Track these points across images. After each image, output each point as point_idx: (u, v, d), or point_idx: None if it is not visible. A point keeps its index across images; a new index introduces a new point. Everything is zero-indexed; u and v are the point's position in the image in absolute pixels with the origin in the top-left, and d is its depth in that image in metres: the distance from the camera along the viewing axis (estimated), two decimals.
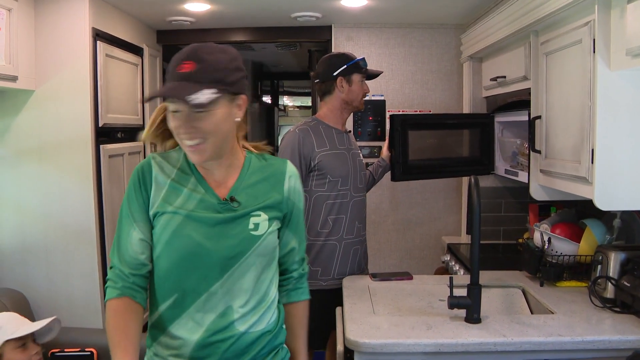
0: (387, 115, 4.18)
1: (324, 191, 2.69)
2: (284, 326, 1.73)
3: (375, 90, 4.17)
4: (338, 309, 2.45)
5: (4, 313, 2.04)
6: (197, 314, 1.55)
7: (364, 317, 2.13)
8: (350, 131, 2.93)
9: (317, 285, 2.66)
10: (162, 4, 3.44)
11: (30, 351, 2.03)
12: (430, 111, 4.19)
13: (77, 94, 3.11)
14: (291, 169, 1.71)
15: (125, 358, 1.48)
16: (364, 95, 2.78)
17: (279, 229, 1.67)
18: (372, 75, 2.81)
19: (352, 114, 3.68)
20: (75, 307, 3.20)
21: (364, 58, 2.79)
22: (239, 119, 1.56)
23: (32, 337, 2.44)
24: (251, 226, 1.57)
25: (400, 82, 4.21)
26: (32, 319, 3.08)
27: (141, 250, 1.56)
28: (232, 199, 1.57)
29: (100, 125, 3.19)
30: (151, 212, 1.56)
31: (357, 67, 2.75)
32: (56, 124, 3.11)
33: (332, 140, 2.72)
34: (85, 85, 3.11)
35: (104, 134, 3.20)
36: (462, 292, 2.11)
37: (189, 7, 3.47)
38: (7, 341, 2.21)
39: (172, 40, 4.29)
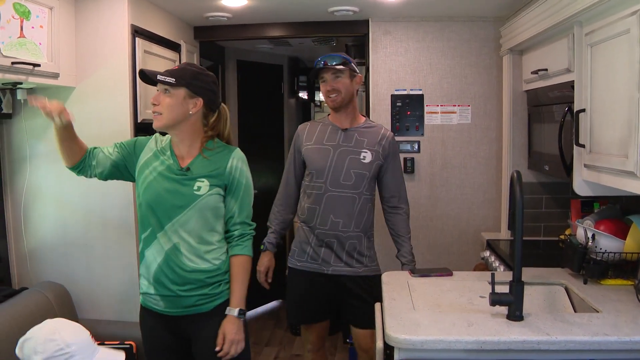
0: (425, 110, 4.14)
1: (305, 181, 3.02)
2: (227, 270, 2.35)
3: (413, 84, 4.14)
4: (377, 305, 2.44)
5: (77, 337, 2.07)
6: (159, 245, 2.27)
7: (403, 313, 2.11)
8: (357, 129, 2.97)
9: (291, 263, 3.06)
10: (200, 0, 3.45)
11: None
12: (468, 106, 4.13)
13: (117, 90, 3.14)
14: (237, 154, 2.38)
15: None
16: (326, 94, 2.94)
17: (225, 197, 2.34)
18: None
19: (390, 109, 4.16)
20: (114, 300, 3.24)
21: (318, 60, 2.94)
22: (191, 113, 2.29)
23: None
24: (195, 187, 2.28)
25: (439, 76, 4.15)
26: (74, 311, 3.15)
27: (103, 155, 2.44)
28: (187, 169, 2.31)
29: (139, 120, 3.22)
30: (138, 166, 2.40)
31: (314, 74, 2.96)
32: (96, 120, 3.15)
33: (321, 136, 2.97)
34: (124, 81, 3.13)
35: (143, 130, 3.22)
36: (503, 289, 2.07)
37: (226, 2, 3.47)
38: None
39: (209, 36, 4.30)
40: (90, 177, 2.47)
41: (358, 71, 2.95)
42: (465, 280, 2.59)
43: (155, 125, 2.33)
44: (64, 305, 3.06)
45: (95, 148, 2.46)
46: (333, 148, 2.93)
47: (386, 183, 2.97)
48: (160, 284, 2.30)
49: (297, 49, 5.64)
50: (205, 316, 2.31)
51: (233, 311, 2.30)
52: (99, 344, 2.84)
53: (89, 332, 2.13)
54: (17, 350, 2.07)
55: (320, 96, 7.19)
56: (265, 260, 3.10)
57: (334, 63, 2.87)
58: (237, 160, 2.36)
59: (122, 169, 2.45)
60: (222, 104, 2.45)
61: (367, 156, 2.89)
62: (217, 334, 2.28)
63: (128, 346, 3.00)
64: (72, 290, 3.19)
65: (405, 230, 3.00)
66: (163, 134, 2.44)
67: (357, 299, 2.93)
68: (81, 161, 2.42)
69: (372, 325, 2.85)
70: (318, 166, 2.93)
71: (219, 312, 2.31)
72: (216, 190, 2.30)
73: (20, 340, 2.07)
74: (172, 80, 2.25)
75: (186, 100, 2.28)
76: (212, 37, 4.33)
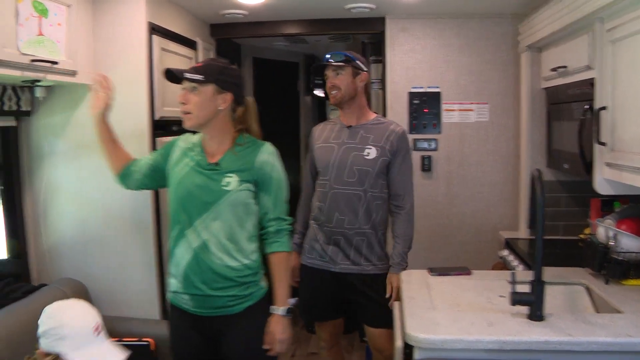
0: (443, 107, 4.11)
1: (318, 180, 3.00)
2: (259, 271, 2.34)
3: (430, 82, 4.12)
4: (396, 304, 2.43)
5: (81, 319, 2.02)
6: (188, 242, 2.26)
7: (423, 312, 2.10)
8: (363, 126, 2.95)
9: (303, 261, 3.06)
10: None
11: None
12: (486, 103, 4.10)
13: (134, 88, 3.14)
14: (267, 148, 2.33)
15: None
16: (328, 91, 2.97)
17: (257, 193, 2.30)
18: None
19: (407, 107, 4.14)
20: (132, 297, 3.25)
21: (325, 57, 2.96)
22: (221, 108, 2.25)
23: None
24: (224, 183, 2.24)
25: (456, 74, 4.13)
26: None
27: (144, 162, 2.51)
28: (216, 164, 2.28)
29: (156, 118, 3.22)
30: (169, 165, 2.41)
31: (316, 70, 3.04)
32: (113, 118, 3.11)
33: (328, 134, 3.01)
34: (141, 79, 3.14)
35: (160, 127, 3.23)
36: (523, 288, 2.05)
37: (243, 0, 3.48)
38: None
39: (225, 34, 4.30)
40: (135, 187, 2.57)
41: (364, 68, 2.93)
42: (484, 280, 2.57)
43: (186, 125, 2.30)
44: None
45: (139, 160, 2.54)
46: (337, 145, 2.93)
47: (391, 180, 2.91)
48: (189, 283, 2.27)
49: (313, 46, 5.63)
50: (235, 317, 2.27)
51: (279, 310, 2.28)
52: (116, 341, 2.85)
53: (97, 323, 2.04)
54: None
55: None
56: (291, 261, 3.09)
57: (335, 60, 2.88)
58: (267, 155, 2.32)
59: (159, 172, 2.47)
60: (249, 97, 2.43)
61: (371, 152, 2.86)
62: (251, 335, 2.28)
63: (146, 343, 3.01)
64: (91, 287, 3.20)
65: (402, 231, 2.90)
66: (193, 132, 2.43)
67: (365, 298, 2.91)
68: (125, 168, 2.51)
69: (384, 325, 2.84)
70: (323, 164, 2.95)
71: (249, 314, 2.28)
72: (246, 186, 2.26)
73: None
74: (200, 77, 2.22)
75: (215, 96, 2.24)
76: (228, 35, 4.33)
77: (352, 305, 2.99)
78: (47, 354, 1.92)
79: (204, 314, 2.29)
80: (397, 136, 2.89)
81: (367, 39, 4.78)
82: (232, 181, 2.24)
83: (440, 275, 2.63)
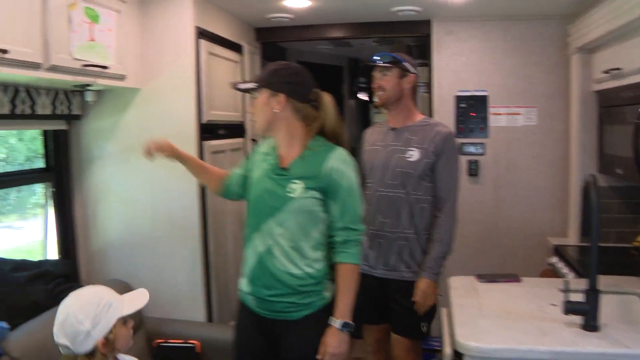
0: (490, 111, 4.05)
1: (365, 182, 2.91)
2: (322, 280, 2.23)
3: (477, 85, 4.06)
4: (444, 310, 2.39)
5: (101, 288, 2.04)
6: (254, 246, 2.24)
7: (473, 320, 2.06)
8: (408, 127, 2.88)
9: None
10: (263, 2, 3.47)
11: (129, 325, 2.06)
12: (534, 107, 4.02)
13: (182, 92, 3.17)
14: (336, 154, 2.22)
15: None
16: (376, 89, 2.91)
17: (325, 200, 2.20)
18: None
19: (454, 111, 4.10)
20: (178, 299, 3.28)
21: (372, 58, 2.91)
22: (276, 111, 2.20)
23: None
24: (289, 189, 2.19)
25: (503, 77, 4.06)
26: (139, 310, 3.19)
27: (236, 174, 2.50)
28: (286, 169, 2.23)
29: (203, 122, 3.25)
30: (250, 170, 2.40)
31: (364, 71, 3.01)
32: (161, 121, 3.20)
33: (375, 137, 2.98)
34: (189, 82, 3.17)
35: (207, 131, 3.26)
36: (576, 297, 1.99)
37: (289, 3, 3.48)
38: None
39: (270, 38, 4.32)
40: (236, 199, 2.58)
41: (412, 70, 2.87)
42: (534, 287, 2.51)
43: (255, 130, 2.38)
44: None
45: (234, 173, 2.53)
46: (383, 147, 2.90)
47: (435, 183, 2.81)
48: (254, 284, 2.26)
49: (357, 49, 5.61)
50: (293, 324, 2.22)
51: (335, 322, 2.17)
52: (163, 342, 2.89)
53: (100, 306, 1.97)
54: None
55: None
56: None
57: (381, 61, 2.86)
58: (336, 161, 2.20)
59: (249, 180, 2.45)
60: (323, 93, 2.29)
61: (414, 154, 2.80)
62: (305, 343, 2.21)
63: (192, 345, 3.03)
64: (138, 288, 3.23)
65: (439, 235, 2.76)
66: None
67: (397, 304, 2.85)
68: (222, 186, 2.53)
69: (407, 334, 2.80)
70: (368, 166, 2.93)
71: (308, 323, 2.21)
72: (311, 194, 2.19)
73: None
74: (252, 85, 2.26)
75: (269, 100, 2.21)
76: (273, 38, 4.35)
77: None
78: (106, 340, 1.90)
79: (267, 316, 2.27)
80: (441, 137, 2.80)
81: (413, 41, 4.75)
82: (297, 188, 2.19)
83: (489, 282, 2.58)
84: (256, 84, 2.25)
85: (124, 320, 1.97)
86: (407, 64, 2.86)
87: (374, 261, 2.88)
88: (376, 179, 2.87)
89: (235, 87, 2.36)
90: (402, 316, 2.82)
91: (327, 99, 2.28)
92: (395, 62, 2.84)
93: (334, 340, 2.15)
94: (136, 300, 2.09)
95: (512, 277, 2.61)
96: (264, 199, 2.24)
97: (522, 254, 4.05)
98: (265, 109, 2.22)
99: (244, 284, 2.33)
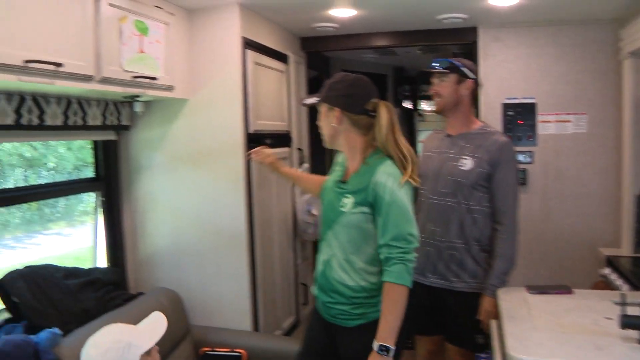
0: (538, 118, 3.97)
1: (420, 189, 2.83)
2: (378, 294, 2.16)
3: (525, 92, 3.99)
4: (493, 322, 2.34)
5: (117, 330, 2.09)
6: (321, 253, 2.33)
7: (524, 333, 2.00)
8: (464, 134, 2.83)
9: None
10: (308, 11, 3.48)
11: (153, 353, 2.08)
12: (584, 114, 3.93)
13: (229, 102, 3.20)
14: (383, 167, 2.16)
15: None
16: (433, 96, 2.87)
17: (374, 215, 2.16)
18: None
19: (501, 119, 4.03)
20: (225, 308, 3.30)
21: (431, 64, 2.87)
22: (334, 125, 2.24)
23: None
24: (341, 203, 2.22)
25: (551, 83, 3.98)
26: (186, 318, 3.23)
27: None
28: (345, 183, 2.27)
29: (250, 131, 3.27)
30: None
31: (421, 77, 2.92)
32: (209, 131, 3.23)
33: (432, 144, 2.95)
34: (236, 93, 3.19)
35: (254, 140, 3.27)
36: (633, 310, 1.92)
37: (334, 13, 3.48)
38: None
39: (315, 47, 4.33)
40: None
41: (471, 76, 2.80)
42: (587, 299, 2.44)
43: (325, 143, 2.38)
44: (177, 311, 3.15)
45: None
46: (437, 155, 2.86)
47: (493, 194, 2.74)
48: (319, 289, 2.34)
49: (402, 58, 5.59)
50: (348, 331, 2.25)
51: (374, 345, 2.07)
52: (209, 351, 2.91)
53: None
54: None
55: (422, 105, 7.12)
56: None
57: (439, 66, 2.81)
58: (381, 174, 2.14)
59: None
60: (381, 102, 2.23)
61: (467, 163, 2.73)
62: (355, 351, 2.16)
63: (238, 354, 3.04)
64: (185, 297, 3.27)
65: (500, 250, 2.69)
66: None
67: (450, 315, 2.81)
68: (319, 192, 2.53)
69: (464, 344, 2.76)
70: (422, 173, 2.83)
71: (361, 333, 2.17)
72: (360, 209, 2.17)
73: None
74: (314, 100, 2.32)
75: (328, 114, 2.26)
76: (318, 48, 4.36)
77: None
78: None
79: (328, 320, 2.33)
80: (498, 147, 2.71)
81: (458, 49, 4.70)
82: (348, 203, 2.19)
83: (539, 293, 2.51)
84: (317, 99, 2.30)
85: (147, 352, 2.01)
86: (465, 69, 2.79)
87: (422, 269, 2.84)
88: (428, 187, 2.82)
89: (302, 103, 2.49)
90: (456, 327, 2.79)
91: (383, 108, 2.21)
92: (453, 68, 2.78)
93: None
94: (154, 329, 2.13)
95: (564, 289, 2.54)
96: (327, 211, 2.33)
97: (572, 265, 3.95)
98: (326, 124, 2.28)
99: (314, 288, 2.41)
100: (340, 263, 2.23)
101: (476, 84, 2.84)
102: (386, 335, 2.06)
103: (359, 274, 2.20)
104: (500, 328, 2.17)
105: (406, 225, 2.12)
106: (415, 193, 2.48)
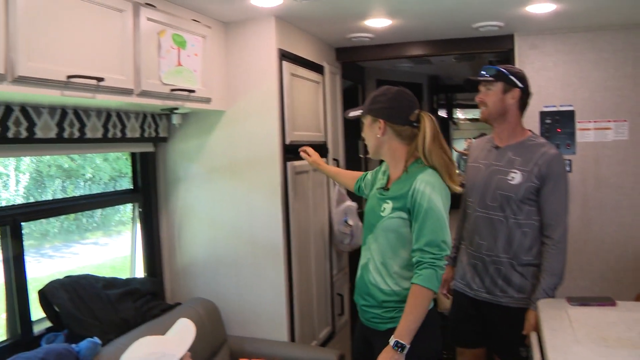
0: (577, 126, 3.90)
1: (467, 199, 2.91)
2: (403, 300, 2.25)
3: (562, 100, 3.93)
4: (533, 334, 2.29)
5: (148, 339, 2.12)
6: (362, 256, 2.47)
7: (567, 346, 1.97)
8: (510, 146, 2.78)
9: (454, 285, 3.00)
10: (344, 22, 3.48)
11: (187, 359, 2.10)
12: (625, 121, 3.84)
13: (265, 113, 3.21)
14: (423, 176, 2.27)
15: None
16: (479, 104, 2.83)
17: (410, 221, 2.28)
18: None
19: (539, 127, 3.96)
20: (261, 318, 3.30)
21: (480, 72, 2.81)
22: (379, 136, 2.37)
23: None
24: (382, 207, 2.36)
25: (590, 90, 3.90)
26: (223, 328, 3.25)
27: (368, 178, 2.79)
28: (387, 189, 2.41)
29: (287, 142, 3.27)
30: (373, 182, 2.61)
31: (469, 85, 2.89)
32: (245, 143, 3.25)
33: (479, 153, 2.90)
34: (273, 104, 3.20)
35: (291, 151, 3.28)
36: None
37: (370, 23, 3.48)
38: None
39: (350, 57, 4.33)
40: (366, 197, 2.75)
41: (518, 84, 2.71)
42: (632, 312, 2.38)
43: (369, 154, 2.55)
44: (214, 322, 3.17)
45: (366, 174, 2.87)
46: (485, 167, 2.80)
47: (541, 208, 2.68)
48: (356, 293, 2.48)
49: (437, 66, 5.56)
50: (379, 334, 2.34)
51: (391, 340, 2.20)
52: None
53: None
54: None
55: (457, 114, 7.08)
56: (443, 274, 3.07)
57: (485, 74, 2.75)
58: (421, 182, 2.25)
59: None
60: (423, 113, 2.37)
61: (515, 177, 2.67)
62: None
63: None
64: (221, 307, 3.30)
65: (548, 265, 2.63)
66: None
67: (495, 330, 2.77)
68: (356, 185, 2.91)
69: (505, 357, 2.72)
70: (469, 184, 2.85)
71: (389, 335, 2.23)
72: (398, 214, 2.30)
73: None
74: (358, 113, 2.46)
75: (372, 126, 2.40)
76: (353, 58, 4.35)
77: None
78: None
79: (365, 323, 2.47)
80: (547, 160, 2.64)
81: (494, 57, 4.66)
82: (387, 207, 2.34)
83: (581, 305, 2.46)
84: (360, 112, 2.43)
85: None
86: (512, 78, 2.71)
87: (469, 281, 2.84)
88: (475, 199, 2.79)
89: (345, 116, 2.56)
90: (501, 340, 2.76)
91: (426, 119, 2.34)
92: (499, 76, 2.71)
93: (384, 356, 2.20)
94: (184, 337, 2.16)
95: (607, 301, 2.48)
96: (368, 216, 2.46)
97: (614, 276, 3.86)
98: (371, 135, 2.42)
99: (355, 294, 2.53)
100: (376, 266, 2.37)
101: (525, 92, 2.75)
102: (404, 333, 2.18)
103: (393, 278, 2.33)
104: (540, 340, 2.13)
105: (441, 232, 2.22)
106: (457, 199, 2.54)
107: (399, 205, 2.30)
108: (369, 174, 2.80)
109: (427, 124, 2.32)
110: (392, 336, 2.19)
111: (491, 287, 2.75)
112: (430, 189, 2.23)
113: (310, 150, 3.14)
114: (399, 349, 2.17)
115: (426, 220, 2.21)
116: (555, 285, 2.64)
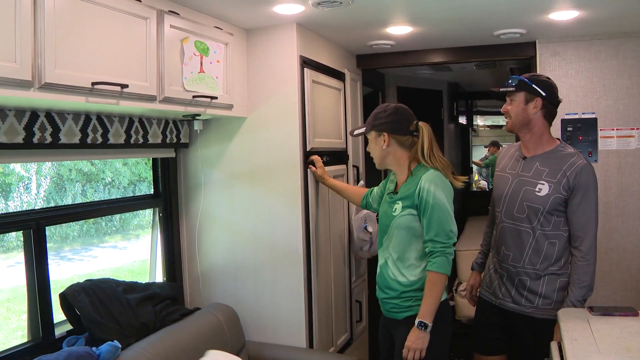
0: (599, 134, 3.86)
1: (494, 208, 2.92)
2: (419, 289, 2.57)
3: (585, 107, 3.89)
4: (553, 344, 2.27)
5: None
6: (379, 258, 2.75)
7: (588, 357, 1.94)
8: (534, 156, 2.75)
9: (480, 292, 3.03)
10: (365, 30, 3.49)
11: None
12: None
13: (287, 120, 3.22)
14: (427, 175, 2.55)
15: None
16: (504, 115, 2.83)
17: (419, 216, 2.57)
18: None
19: (560, 135, 3.88)
20: (280, 324, 3.31)
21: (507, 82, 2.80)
22: (384, 147, 2.66)
23: None
24: (393, 209, 2.64)
25: (614, 98, 3.86)
26: (242, 333, 3.26)
27: (375, 193, 3.04)
28: (395, 192, 2.69)
29: (308, 149, 3.28)
30: (384, 191, 2.87)
31: (496, 96, 2.87)
32: (266, 149, 3.26)
33: (506, 162, 2.88)
34: (294, 111, 3.21)
35: None
36: None
37: (391, 30, 3.48)
38: None
39: (371, 64, 4.33)
40: (374, 211, 3.09)
41: (540, 93, 2.65)
42: None
43: (377, 166, 2.82)
44: (233, 327, 3.18)
45: (371, 189, 3.10)
46: (512, 177, 2.77)
47: (569, 219, 2.65)
48: (378, 289, 2.76)
49: (457, 74, 5.55)
50: (397, 323, 2.67)
51: (416, 321, 2.52)
52: None
53: None
54: None
55: (477, 121, 7.05)
56: (470, 280, 3.16)
57: (507, 86, 2.71)
58: (425, 182, 2.54)
59: None
60: (421, 123, 2.67)
61: (543, 188, 2.64)
62: (401, 341, 2.59)
63: None
64: (240, 313, 3.30)
65: (577, 276, 2.60)
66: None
67: (518, 337, 2.75)
68: (363, 200, 3.13)
69: None
70: (496, 194, 2.85)
71: (408, 323, 2.57)
72: (408, 211, 2.59)
73: None
74: (362, 129, 2.76)
75: (377, 139, 2.69)
76: (374, 65, 4.35)
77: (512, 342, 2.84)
78: None
79: (386, 315, 2.75)
80: (575, 171, 2.60)
81: (514, 64, 4.63)
82: (398, 207, 2.63)
83: (603, 315, 2.43)
84: (364, 129, 2.73)
85: None
86: (535, 86, 2.66)
87: (495, 290, 2.84)
88: (502, 210, 2.78)
89: (351, 134, 2.85)
90: (524, 350, 2.73)
91: (424, 128, 2.65)
92: (520, 86, 2.67)
93: (412, 335, 2.53)
94: None
95: (629, 311, 2.45)
96: (382, 220, 2.73)
97: (636, 286, 3.81)
98: (376, 147, 2.71)
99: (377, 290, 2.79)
100: (394, 262, 2.65)
101: (549, 101, 2.68)
102: (426, 314, 2.51)
103: (408, 269, 2.62)
104: (561, 350, 2.11)
105: (447, 223, 2.53)
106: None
107: (407, 203, 2.59)
108: (376, 189, 3.05)
109: (425, 132, 2.64)
110: (417, 318, 2.51)
111: (517, 297, 2.73)
112: (434, 186, 2.53)
113: (317, 162, 3.28)
114: (423, 328, 2.50)
115: (433, 214, 2.52)
116: (585, 297, 2.60)
